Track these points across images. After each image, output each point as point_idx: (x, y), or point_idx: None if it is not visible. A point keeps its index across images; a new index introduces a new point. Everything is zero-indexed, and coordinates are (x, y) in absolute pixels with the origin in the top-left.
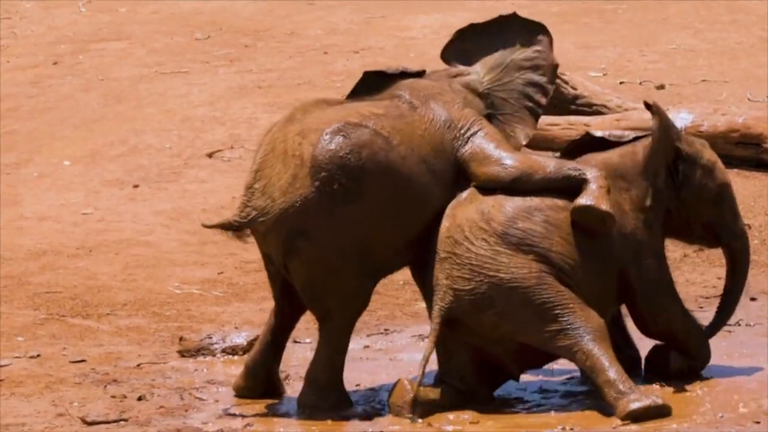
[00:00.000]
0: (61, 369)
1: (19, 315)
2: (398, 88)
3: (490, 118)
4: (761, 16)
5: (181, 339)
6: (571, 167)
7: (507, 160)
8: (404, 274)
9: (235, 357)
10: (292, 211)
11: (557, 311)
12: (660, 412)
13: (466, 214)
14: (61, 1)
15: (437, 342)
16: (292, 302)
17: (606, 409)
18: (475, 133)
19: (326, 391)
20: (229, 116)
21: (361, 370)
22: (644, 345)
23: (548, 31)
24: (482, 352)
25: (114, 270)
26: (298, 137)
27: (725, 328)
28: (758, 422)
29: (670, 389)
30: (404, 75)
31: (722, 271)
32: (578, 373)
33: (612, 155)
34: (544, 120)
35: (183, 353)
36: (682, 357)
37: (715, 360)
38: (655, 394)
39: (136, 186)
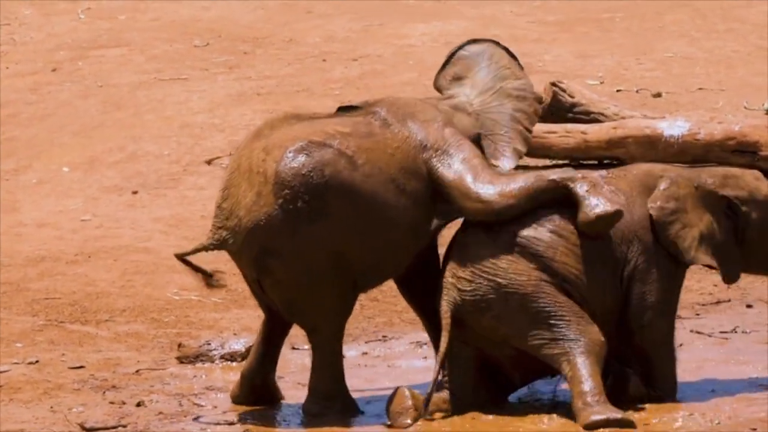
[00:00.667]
0: (59, 375)
1: (18, 321)
2: (377, 104)
3: (479, 138)
4: (757, 24)
5: (179, 345)
6: (550, 178)
7: (487, 194)
8: None
9: (234, 363)
10: (258, 230)
11: (552, 320)
12: (621, 424)
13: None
14: (61, 8)
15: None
16: (279, 313)
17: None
18: (453, 155)
19: (330, 399)
20: (228, 123)
21: (359, 377)
22: None
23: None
24: (485, 359)
25: (113, 276)
26: (262, 153)
27: (722, 335)
28: (754, 429)
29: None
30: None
31: (719, 278)
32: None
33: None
34: (541, 128)
35: (182, 359)
36: (642, 385)
37: (712, 367)
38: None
39: (134, 192)
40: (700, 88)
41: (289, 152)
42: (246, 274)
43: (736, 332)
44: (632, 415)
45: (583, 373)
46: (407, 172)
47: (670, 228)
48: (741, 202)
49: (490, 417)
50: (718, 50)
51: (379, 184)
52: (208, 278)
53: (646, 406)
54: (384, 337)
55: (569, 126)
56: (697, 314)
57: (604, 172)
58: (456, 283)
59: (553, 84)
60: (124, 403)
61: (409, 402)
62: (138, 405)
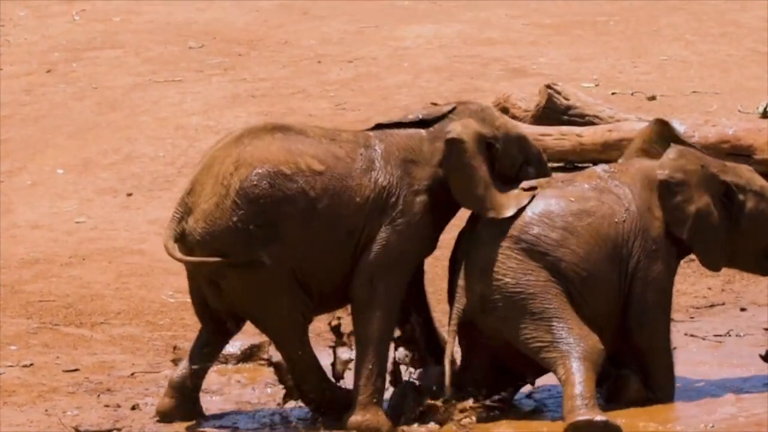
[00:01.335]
0: (54, 378)
1: (12, 324)
2: (382, 138)
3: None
4: (752, 28)
5: (174, 348)
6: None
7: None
8: None
9: (229, 366)
10: (213, 237)
11: (553, 323)
12: (606, 428)
13: (529, 211)
14: (55, 10)
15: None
16: (216, 324)
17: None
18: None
19: (326, 402)
20: (222, 125)
21: (350, 382)
22: None
23: None
24: (499, 357)
25: (107, 279)
26: (232, 166)
27: (716, 338)
28: None
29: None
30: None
31: (713, 282)
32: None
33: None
34: (537, 130)
35: (177, 362)
36: (642, 386)
37: (705, 370)
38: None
39: (129, 194)
40: (694, 92)
41: (254, 175)
42: (198, 273)
43: (730, 335)
44: (623, 418)
45: (576, 377)
46: (368, 221)
47: (674, 198)
48: (739, 189)
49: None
50: (713, 54)
51: (333, 230)
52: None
53: (641, 408)
54: None
55: (564, 128)
56: (692, 317)
57: (606, 166)
58: (465, 285)
59: (548, 87)
60: (119, 406)
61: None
62: (133, 408)
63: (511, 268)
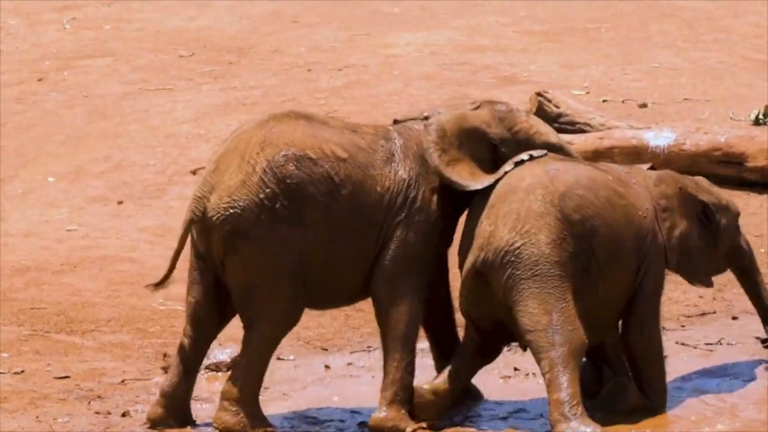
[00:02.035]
0: (45, 385)
1: (3, 331)
2: (401, 131)
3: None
4: (743, 35)
5: (165, 355)
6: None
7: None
8: None
9: (219, 373)
10: (236, 212)
11: (555, 308)
12: None
13: (532, 170)
14: (46, 18)
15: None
16: (210, 314)
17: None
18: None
19: (238, 404)
20: (213, 133)
21: (343, 387)
22: None
23: None
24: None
25: (98, 286)
26: (258, 147)
27: (707, 347)
28: None
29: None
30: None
31: (704, 290)
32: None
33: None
34: None
35: (167, 369)
36: (640, 395)
37: (698, 379)
38: (595, 424)
39: (120, 202)
40: (686, 99)
41: (281, 156)
42: (207, 251)
43: (721, 344)
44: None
45: (562, 381)
46: (388, 215)
47: (662, 225)
48: (715, 208)
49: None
50: (704, 61)
51: (354, 219)
52: (165, 279)
53: (633, 417)
54: (369, 347)
55: None
56: (683, 326)
57: (618, 165)
58: (494, 230)
59: (539, 94)
60: (109, 413)
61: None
62: (123, 415)
63: (547, 224)
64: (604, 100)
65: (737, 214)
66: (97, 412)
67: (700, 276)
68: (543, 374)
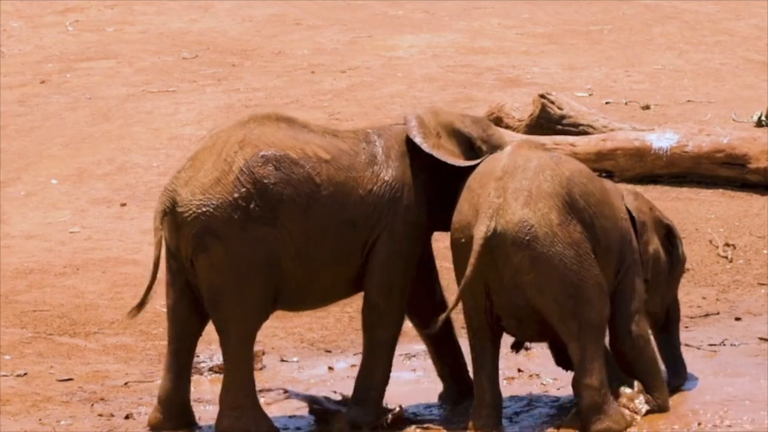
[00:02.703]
0: (48, 387)
1: (6, 333)
2: (380, 133)
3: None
4: (745, 37)
5: None
6: None
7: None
8: None
9: (222, 375)
10: (208, 210)
11: (581, 286)
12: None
13: (536, 153)
14: (49, 20)
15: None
16: (190, 312)
17: None
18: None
19: (237, 409)
20: None
21: (347, 389)
22: None
23: None
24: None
25: (101, 288)
26: (237, 146)
27: (711, 347)
28: None
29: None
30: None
31: (707, 291)
32: None
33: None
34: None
35: None
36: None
37: (701, 380)
38: (626, 415)
39: (123, 204)
40: (688, 101)
41: (260, 156)
42: (177, 249)
43: (724, 345)
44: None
45: (595, 366)
46: (370, 218)
47: (640, 238)
48: (674, 232)
49: None
50: (707, 62)
51: (335, 221)
52: (140, 305)
53: (638, 418)
54: None
55: (558, 138)
56: (686, 327)
57: None
58: (505, 205)
59: (542, 96)
60: (112, 416)
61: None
62: (126, 417)
63: (556, 205)
64: (607, 102)
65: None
66: (101, 415)
67: (657, 301)
68: (572, 358)
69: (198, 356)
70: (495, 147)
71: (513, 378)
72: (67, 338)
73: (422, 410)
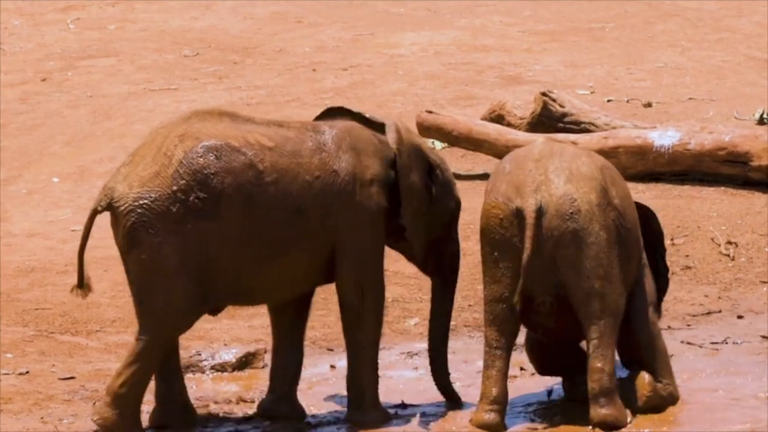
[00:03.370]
0: (50, 386)
1: (8, 332)
2: (331, 125)
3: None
4: (747, 35)
5: None
6: None
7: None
8: (392, 292)
9: (225, 374)
10: (144, 204)
11: (609, 271)
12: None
13: (565, 145)
14: (50, 18)
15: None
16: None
17: None
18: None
19: (120, 406)
20: None
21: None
22: None
23: None
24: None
25: (103, 287)
26: (177, 139)
27: (713, 345)
28: None
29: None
30: (364, 120)
31: (709, 289)
32: None
33: None
34: (532, 138)
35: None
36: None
37: (703, 378)
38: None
39: None
40: (690, 98)
41: (201, 147)
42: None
43: (727, 343)
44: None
45: (609, 353)
46: (318, 206)
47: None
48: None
49: None
50: (709, 60)
51: (280, 208)
52: (80, 284)
53: (638, 416)
54: None
55: (560, 136)
56: (688, 325)
57: None
58: (546, 180)
59: (544, 94)
60: None
61: None
62: None
63: (594, 188)
64: (608, 100)
65: None
66: None
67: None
68: (588, 339)
69: (200, 354)
70: (446, 182)
71: (515, 377)
72: (68, 336)
73: (425, 408)
